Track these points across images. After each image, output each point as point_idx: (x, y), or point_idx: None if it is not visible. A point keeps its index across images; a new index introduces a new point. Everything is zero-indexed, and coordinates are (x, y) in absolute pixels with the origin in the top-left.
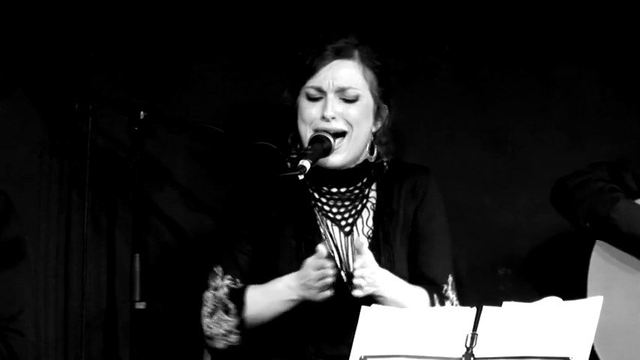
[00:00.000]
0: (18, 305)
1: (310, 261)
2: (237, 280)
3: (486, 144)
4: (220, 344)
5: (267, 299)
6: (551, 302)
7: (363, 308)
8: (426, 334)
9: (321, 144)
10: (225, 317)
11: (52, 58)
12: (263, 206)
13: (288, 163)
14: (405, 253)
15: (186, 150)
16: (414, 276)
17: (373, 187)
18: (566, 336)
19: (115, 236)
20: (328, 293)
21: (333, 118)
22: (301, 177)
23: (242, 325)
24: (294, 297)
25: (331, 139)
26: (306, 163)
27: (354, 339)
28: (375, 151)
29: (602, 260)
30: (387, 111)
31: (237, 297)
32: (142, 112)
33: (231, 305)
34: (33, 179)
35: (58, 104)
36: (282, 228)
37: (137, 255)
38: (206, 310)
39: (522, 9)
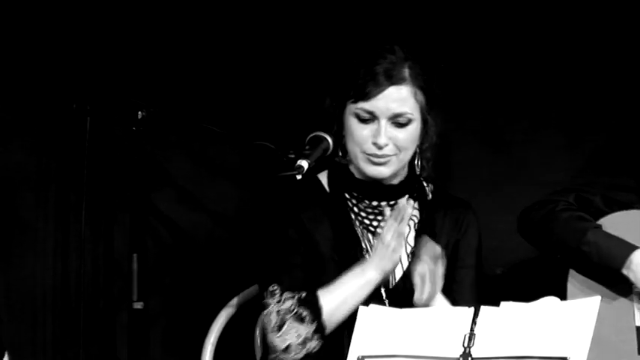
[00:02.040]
0: None
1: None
2: (297, 293)
3: (484, 144)
4: (298, 355)
5: (341, 291)
6: (549, 302)
7: (361, 308)
8: (423, 333)
9: (320, 144)
10: (300, 325)
11: (50, 57)
12: (304, 219)
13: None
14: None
15: (184, 150)
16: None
17: (416, 205)
18: (563, 336)
19: (113, 236)
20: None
21: (387, 145)
22: (299, 177)
23: (320, 329)
24: (372, 274)
25: (329, 140)
26: (304, 163)
27: (352, 339)
28: (420, 164)
29: (577, 290)
30: (434, 126)
31: (310, 303)
32: (140, 112)
33: (305, 312)
34: (31, 179)
35: (55, 104)
36: (324, 242)
37: (135, 255)
38: (272, 326)
39: (519, 8)
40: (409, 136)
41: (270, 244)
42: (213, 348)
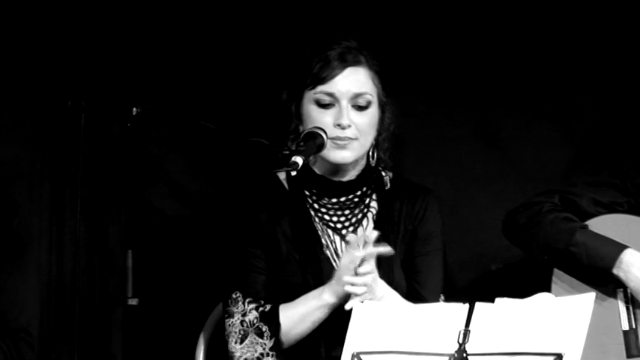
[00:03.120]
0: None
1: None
2: (261, 301)
3: (478, 140)
4: None
5: (300, 311)
6: (544, 298)
7: (356, 305)
8: (418, 330)
9: (314, 140)
10: (260, 340)
11: (45, 54)
12: (265, 220)
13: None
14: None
15: (179, 146)
16: (406, 292)
17: (374, 197)
18: (558, 332)
19: (108, 232)
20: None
21: (349, 126)
22: (294, 173)
23: (277, 346)
24: (328, 298)
25: (324, 135)
26: (299, 159)
27: (347, 335)
28: (376, 156)
29: (563, 278)
30: (391, 115)
31: (270, 319)
32: (134, 109)
33: (264, 328)
34: (25, 175)
35: (50, 100)
36: (284, 241)
37: (130, 251)
38: (234, 337)
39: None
40: (369, 120)
41: (231, 251)
42: (207, 343)
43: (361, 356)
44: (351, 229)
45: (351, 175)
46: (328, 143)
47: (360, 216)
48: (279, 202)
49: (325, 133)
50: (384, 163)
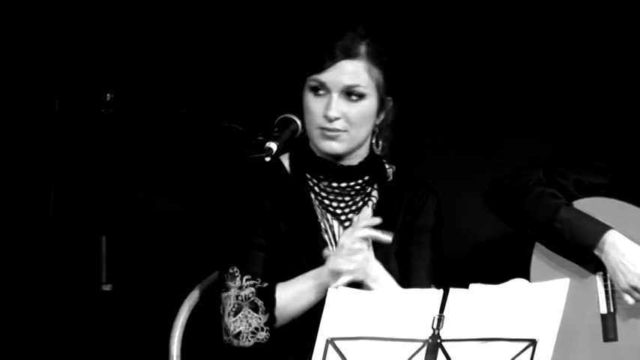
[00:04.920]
0: None
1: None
2: (258, 278)
3: (455, 127)
4: (248, 342)
5: (296, 289)
6: (518, 284)
7: (330, 290)
8: (392, 315)
9: (289, 126)
10: (254, 314)
11: (18, 39)
12: (266, 200)
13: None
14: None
15: (154, 132)
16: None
17: (375, 186)
18: (533, 318)
19: (83, 219)
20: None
21: (337, 118)
22: (268, 159)
23: (272, 322)
24: (324, 277)
25: (298, 122)
26: (273, 145)
27: (321, 321)
28: (381, 145)
29: (542, 263)
30: (391, 104)
31: (266, 294)
32: (108, 94)
33: (259, 302)
34: None
35: (24, 85)
36: (284, 222)
37: (104, 237)
38: (228, 309)
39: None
40: (361, 112)
41: (232, 227)
42: (182, 330)
43: (335, 342)
44: (350, 215)
45: (351, 161)
46: (317, 132)
47: (360, 204)
48: (280, 184)
49: (300, 119)
50: (383, 152)
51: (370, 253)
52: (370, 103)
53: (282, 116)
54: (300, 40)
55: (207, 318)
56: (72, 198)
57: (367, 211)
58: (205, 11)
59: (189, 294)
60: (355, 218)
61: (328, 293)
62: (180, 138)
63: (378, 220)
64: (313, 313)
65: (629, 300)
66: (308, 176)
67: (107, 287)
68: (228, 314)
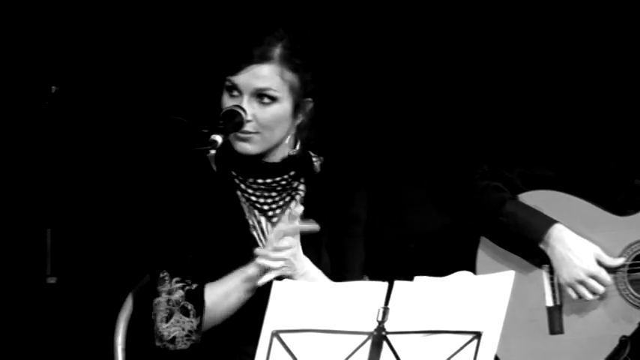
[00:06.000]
0: None
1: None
2: (188, 280)
3: (398, 118)
4: (184, 345)
5: (225, 287)
6: (463, 276)
7: (275, 283)
8: (337, 308)
9: (233, 118)
10: (185, 319)
11: None
12: (193, 200)
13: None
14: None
15: (99, 125)
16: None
17: (302, 180)
18: (477, 310)
19: (27, 211)
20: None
21: (248, 121)
22: (213, 151)
23: (202, 324)
24: (252, 273)
25: (243, 114)
26: (218, 138)
27: (266, 314)
28: (299, 145)
29: (488, 256)
30: (311, 105)
31: (195, 297)
32: (53, 87)
33: (190, 306)
34: None
35: None
36: (212, 220)
37: (49, 230)
38: (160, 315)
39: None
40: (273, 115)
41: (158, 230)
42: (127, 323)
43: (280, 335)
44: (278, 211)
45: (274, 158)
46: (232, 133)
47: (288, 199)
48: (206, 182)
49: (245, 111)
50: (300, 153)
51: (298, 249)
52: (283, 107)
53: (226, 108)
54: (222, 40)
55: (142, 322)
56: (16, 191)
57: (297, 208)
58: (151, 8)
59: (133, 287)
60: (284, 215)
61: (273, 285)
62: (125, 130)
63: (301, 209)
64: (243, 313)
65: (573, 295)
66: (234, 173)
67: (52, 280)
68: (161, 320)
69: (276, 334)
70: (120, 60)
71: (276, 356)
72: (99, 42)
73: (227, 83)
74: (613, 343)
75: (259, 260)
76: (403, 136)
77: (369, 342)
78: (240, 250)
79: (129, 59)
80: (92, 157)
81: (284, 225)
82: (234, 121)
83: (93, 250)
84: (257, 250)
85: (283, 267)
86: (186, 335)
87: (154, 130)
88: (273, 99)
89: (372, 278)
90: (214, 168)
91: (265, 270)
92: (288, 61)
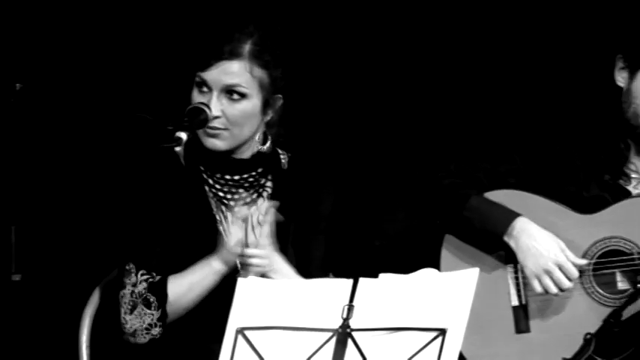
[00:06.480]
0: None
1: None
2: (153, 273)
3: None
4: (143, 339)
5: (188, 280)
6: (428, 274)
7: (239, 280)
8: (302, 305)
9: (199, 115)
10: (147, 311)
11: None
12: (160, 194)
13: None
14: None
15: (64, 122)
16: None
17: (269, 177)
18: (442, 307)
19: None
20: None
21: (217, 117)
22: (178, 148)
23: (164, 317)
24: (216, 265)
25: (208, 111)
26: (183, 135)
27: (231, 311)
28: (269, 142)
29: (452, 255)
30: (281, 102)
31: (157, 289)
32: (17, 84)
33: (152, 298)
34: None
35: None
36: (179, 214)
37: (13, 227)
38: (125, 307)
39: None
40: (242, 112)
41: (126, 222)
42: (92, 320)
43: (245, 332)
44: (244, 208)
45: (242, 154)
46: (201, 129)
47: (255, 195)
48: (174, 177)
49: (210, 108)
50: (269, 149)
51: (275, 245)
52: (252, 103)
53: (192, 105)
54: (192, 36)
55: (109, 316)
56: None
57: (271, 203)
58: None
59: (99, 284)
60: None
61: (237, 283)
62: (91, 127)
63: (273, 203)
64: (208, 308)
65: (537, 287)
66: (202, 168)
67: (16, 277)
68: (125, 312)
69: (240, 331)
70: (87, 56)
71: (241, 354)
72: (64, 39)
73: (197, 79)
74: (579, 341)
75: (249, 260)
76: (370, 134)
77: (334, 339)
78: (207, 244)
79: (96, 56)
80: (57, 153)
81: (244, 209)
82: (199, 118)
83: (57, 248)
84: (247, 251)
85: (262, 265)
86: (146, 329)
87: (119, 126)
88: (243, 95)
89: (337, 275)
90: (183, 163)
91: (236, 266)
92: (258, 57)
